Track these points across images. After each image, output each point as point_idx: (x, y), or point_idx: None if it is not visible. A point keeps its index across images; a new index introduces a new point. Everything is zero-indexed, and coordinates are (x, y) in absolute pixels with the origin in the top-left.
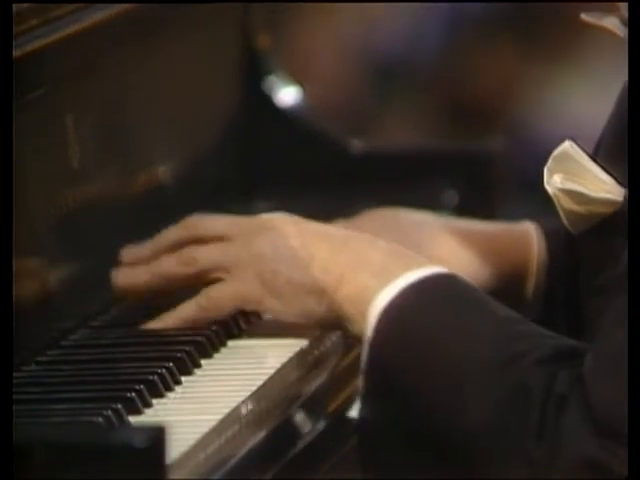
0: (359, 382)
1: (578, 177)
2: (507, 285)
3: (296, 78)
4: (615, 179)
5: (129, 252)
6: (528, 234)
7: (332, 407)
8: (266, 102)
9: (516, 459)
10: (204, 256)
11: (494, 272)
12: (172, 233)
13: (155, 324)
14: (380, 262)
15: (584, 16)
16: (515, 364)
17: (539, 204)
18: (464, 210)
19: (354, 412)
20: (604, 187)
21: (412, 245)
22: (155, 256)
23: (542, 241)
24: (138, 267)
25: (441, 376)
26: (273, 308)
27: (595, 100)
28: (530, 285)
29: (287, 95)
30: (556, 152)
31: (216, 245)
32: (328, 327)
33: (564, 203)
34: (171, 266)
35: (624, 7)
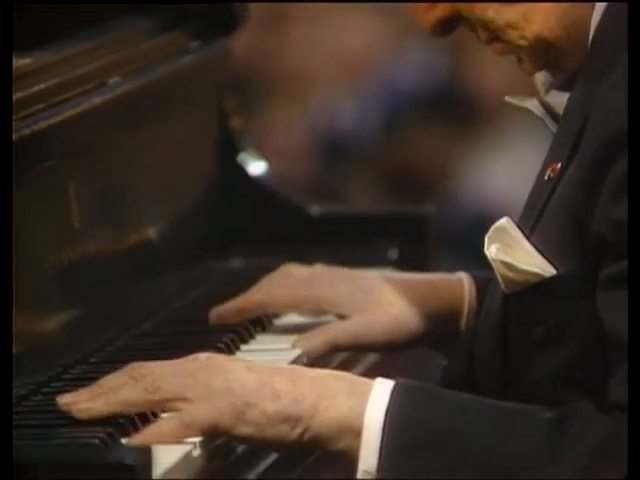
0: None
1: (512, 249)
2: (443, 323)
3: (264, 154)
4: (544, 257)
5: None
6: (461, 282)
7: None
8: (239, 174)
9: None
10: (169, 385)
11: (433, 312)
12: (129, 393)
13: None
14: (342, 386)
15: (508, 98)
16: (512, 411)
17: (465, 257)
18: (404, 263)
19: None
20: (533, 262)
21: (365, 291)
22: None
23: (473, 287)
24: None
25: (460, 449)
26: (247, 435)
27: (513, 172)
28: (462, 324)
29: (256, 168)
30: (496, 225)
31: (182, 388)
32: (300, 451)
33: (499, 269)
34: (133, 394)
35: (543, 91)
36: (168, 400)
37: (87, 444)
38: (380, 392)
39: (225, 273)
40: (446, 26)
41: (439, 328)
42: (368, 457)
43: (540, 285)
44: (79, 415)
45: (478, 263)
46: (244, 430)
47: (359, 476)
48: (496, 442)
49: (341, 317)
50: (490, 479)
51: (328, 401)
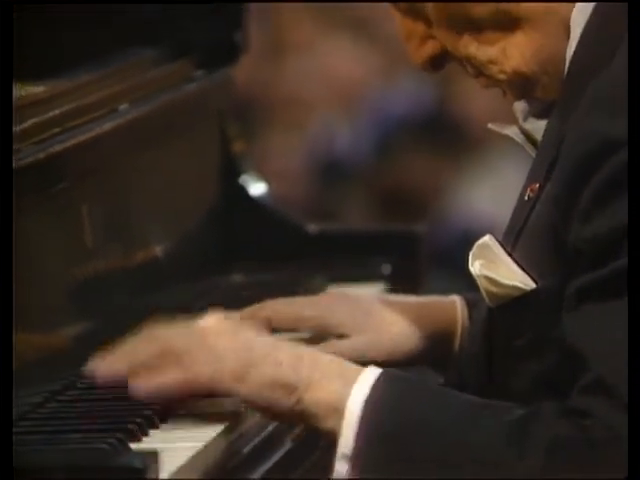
0: (337, 465)
1: (494, 264)
2: (438, 344)
3: (264, 176)
4: (525, 272)
5: (101, 367)
6: (454, 304)
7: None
8: (241, 194)
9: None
10: (179, 344)
11: (428, 333)
12: (142, 350)
13: (152, 381)
14: (336, 368)
15: (490, 125)
16: (486, 409)
17: (453, 272)
18: (396, 278)
19: None
20: (515, 277)
21: (364, 312)
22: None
23: (465, 309)
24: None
25: (434, 439)
26: (245, 394)
27: (497, 193)
28: (456, 344)
29: (257, 189)
30: (479, 242)
31: (189, 347)
32: (287, 420)
33: (483, 283)
34: (167, 376)
35: (521, 118)
36: (177, 355)
37: (98, 449)
38: (367, 378)
39: (228, 288)
40: (436, 62)
41: (434, 348)
42: (347, 440)
43: (521, 298)
44: (101, 375)
45: (465, 279)
46: (243, 390)
47: (337, 459)
48: (465, 435)
49: (340, 337)
50: (458, 470)
51: (321, 379)
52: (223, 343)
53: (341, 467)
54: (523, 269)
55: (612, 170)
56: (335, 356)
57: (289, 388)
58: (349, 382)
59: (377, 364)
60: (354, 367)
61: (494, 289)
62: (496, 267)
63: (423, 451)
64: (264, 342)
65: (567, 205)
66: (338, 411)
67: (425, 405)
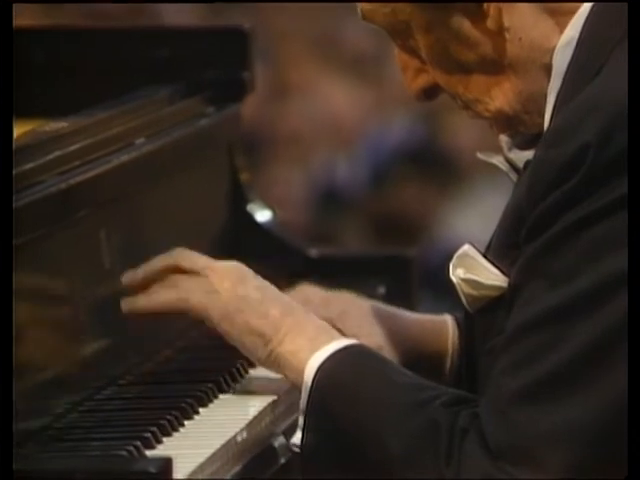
0: (299, 418)
1: (474, 270)
2: (427, 360)
3: (269, 204)
4: (501, 271)
5: (127, 276)
6: (446, 323)
7: None
8: (248, 221)
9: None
10: (185, 284)
11: (418, 349)
12: (161, 260)
13: (151, 300)
14: (313, 331)
15: (479, 154)
16: (426, 407)
17: (442, 292)
18: (390, 298)
19: (296, 439)
20: (493, 277)
21: (366, 319)
22: (147, 279)
23: (456, 328)
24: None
25: (367, 419)
26: (227, 332)
27: (483, 219)
28: (447, 362)
29: (263, 216)
30: (459, 252)
31: (196, 277)
32: (264, 365)
33: (464, 289)
34: (163, 294)
35: (506, 149)
36: (179, 278)
37: (116, 455)
38: (331, 347)
39: None
40: (428, 93)
41: (424, 363)
42: (303, 397)
43: (499, 298)
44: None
45: (452, 297)
46: (227, 328)
47: (299, 411)
48: (389, 427)
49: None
50: (380, 451)
51: (295, 338)
52: (225, 284)
53: (300, 420)
54: (500, 270)
55: (552, 202)
56: (323, 322)
57: (265, 338)
58: (316, 347)
59: None
60: (330, 335)
61: (475, 292)
62: (476, 271)
63: (352, 424)
64: (261, 293)
65: (521, 220)
66: (299, 370)
67: (367, 387)
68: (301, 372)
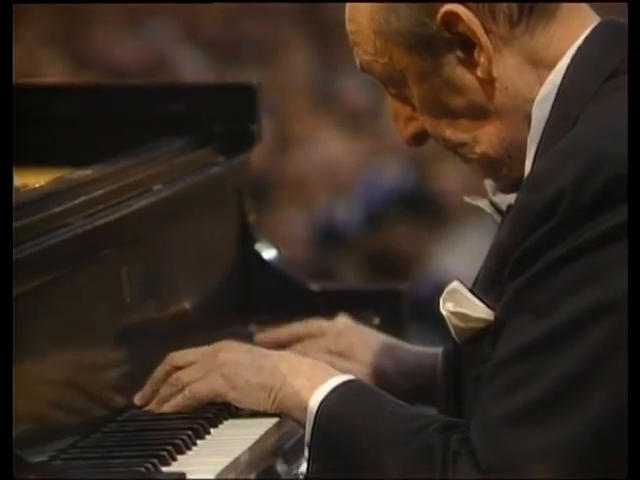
0: (305, 451)
1: (462, 304)
2: (417, 386)
3: (274, 243)
4: (487, 305)
5: (138, 397)
6: (436, 355)
7: None
8: (256, 258)
9: None
10: (186, 376)
11: (408, 376)
12: (160, 371)
13: (164, 407)
14: (309, 370)
15: (466, 198)
16: (419, 434)
17: (432, 323)
18: (384, 328)
19: (302, 469)
20: (479, 310)
21: (362, 345)
22: (155, 391)
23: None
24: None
25: (366, 448)
26: (235, 399)
27: (469, 256)
28: (435, 389)
29: (269, 254)
30: (448, 287)
31: (192, 366)
32: (272, 414)
33: (453, 321)
34: (167, 390)
35: (490, 192)
36: (178, 377)
37: (136, 471)
38: (332, 382)
39: (244, 337)
40: (418, 139)
41: (413, 388)
42: (308, 431)
43: (484, 330)
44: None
45: (441, 328)
46: (234, 396)
47: (305, 445)
48: (386, 455)
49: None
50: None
51: (295, 379)
52: (217, 360)
53: (305, 452)
54: (486, 304)
55: (532, 242)
56: (317, 361)
57: (266, 390)
58: (315, 384)
59: None
60: (327, 372)
61: (463, 324)
62: (464, 305)
63: (354, 453)
64: (250, 354)
65: (504, 259)
66: (302, 409)
67: (365, 419)
68: (304, 410)
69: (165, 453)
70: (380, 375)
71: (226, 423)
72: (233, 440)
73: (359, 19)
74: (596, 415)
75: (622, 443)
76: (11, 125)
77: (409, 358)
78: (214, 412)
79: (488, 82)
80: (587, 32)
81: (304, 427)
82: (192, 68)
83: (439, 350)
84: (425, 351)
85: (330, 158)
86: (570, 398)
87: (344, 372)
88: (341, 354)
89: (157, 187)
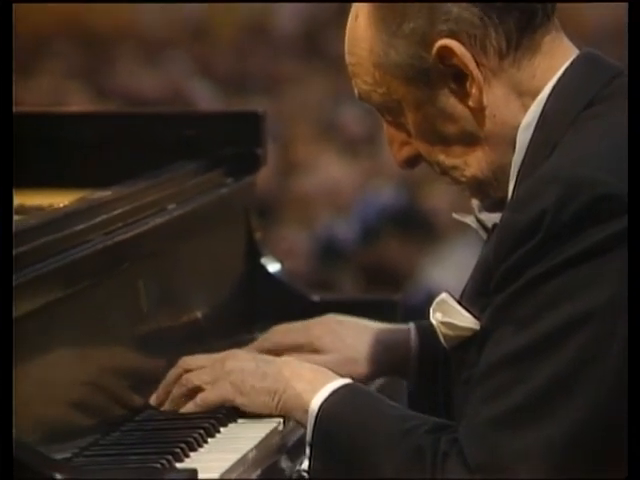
0: (306, 449)
1: (451, 314)
2: (391, 362)
3: (278, 257)
4: (473, 315)
5: (154, 398)
6: (408, 330)
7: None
8: (262, 271)
9: None
10: (195, 378)
11: (382, 354)
12: (172, 374)
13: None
14: (310, 375)
15: (454, 214)
16: (411, 434)
17: None
18: None
19: (304, 466)
20: (466, 320)
21: (339, 337)
22: (168, 392)
23: (417, 335)
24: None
25: (362, 446)
26: (243, 403)
27: (458, 269)
28: (409, 363)
29: (273, 267)
30: (437, 299)
31: (201, 370)
32: (277, 416)
33: (442, 329)
34: (178, 390)
35: (477, 210)
36: (189, 380)
37: (151, 467)
38: (331, 386)
39: (250, 344)
40: (411, 162)
41: (388, 365)
42: (309, 432)
43: (471, 338)
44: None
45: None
46: (241, 401)
47: (306, 445)
48: (382, 454)
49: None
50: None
51: (297, 382)
52: (225, 368)
53: (307, 450)
54: (472, 314)
55: (516, 259)
56: (317, 366)
57: (271, 394)
58: (316, 388)
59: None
60: (327, 376)
61: (451, 333)
62: (452, 315)
63: (351, 452)
64: (254, 361)
65: (489, 274)
66: (304, 410)
67: (361, 420)
68: (306, 412)
69: (179, 450)
70: (352, 361)
71: (234, 423)
72: (241, 438)
73: (359, 52)
74: (575, 419)
75: (603, 445)
76: (11, 125)
77: (382, 336)
78: (224, 413)
79: (479, 111)
80: (567, 64)
81: (306, 427)
82: (204, 98)
83: (411, 325)
84: (398, 327)
85: (330, 180)
86: (551, 403)
87: (318, 365)
88: (313, 349)
89: (171, 206)
